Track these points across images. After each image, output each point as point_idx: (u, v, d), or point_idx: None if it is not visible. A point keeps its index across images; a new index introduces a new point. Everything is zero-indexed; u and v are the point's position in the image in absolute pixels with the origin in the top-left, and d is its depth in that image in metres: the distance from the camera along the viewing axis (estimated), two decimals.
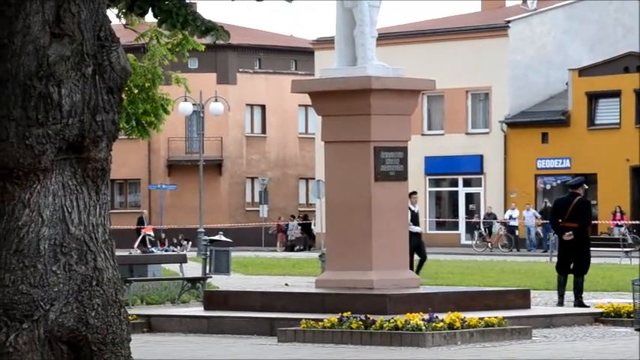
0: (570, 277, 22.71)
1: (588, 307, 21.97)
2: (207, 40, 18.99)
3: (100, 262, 14.03)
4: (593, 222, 42.97)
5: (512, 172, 58.59)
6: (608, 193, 54.66)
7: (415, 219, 28.60)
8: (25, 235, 13.91)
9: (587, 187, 25.96)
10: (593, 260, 23.77)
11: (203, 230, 48.28)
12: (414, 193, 32.03)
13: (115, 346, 13.96)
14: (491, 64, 57.83)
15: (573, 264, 22.72)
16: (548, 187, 58.41)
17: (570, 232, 22.57)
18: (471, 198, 60.98)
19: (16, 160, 13.97)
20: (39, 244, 13.89)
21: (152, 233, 57.79)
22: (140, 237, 55.46)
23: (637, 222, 52.73)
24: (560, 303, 22.46)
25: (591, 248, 24.03)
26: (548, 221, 53.34)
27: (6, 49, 14.04)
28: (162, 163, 68.10)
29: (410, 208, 28.14)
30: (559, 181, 57.79)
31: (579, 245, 22.80)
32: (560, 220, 23.19)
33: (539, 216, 55.80)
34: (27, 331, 13.85)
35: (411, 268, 27.22)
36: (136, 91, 30.14)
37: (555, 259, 31.39)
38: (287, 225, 63.69)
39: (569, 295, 22.66)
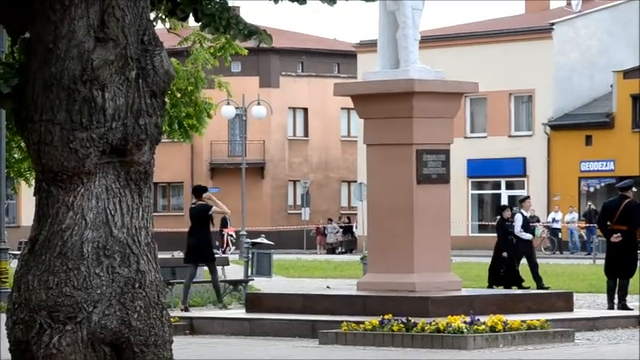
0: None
1: (632, 309, 21.96)
2: (250, 43, 19.06)
3: (142, 265, 14.16)
4: None
5: (555, 175, 58.44)
6: None
7: (527, 225, 28.43)
8: (69, 237, 14.06)
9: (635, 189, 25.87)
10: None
11: (245, 233, 48.39)
12: (528, 198, 31.99)
13: (157, 347, 14.09)
14: (534, 67, 57.66)
15: (619, 267, 22.73)
16: (592, 189, 58.25)
17: (618, 234, 22.55)
18: (513, 201, 60.85)
19: (60, 163, 14.12)
20: (82, 246, 14.04)
21: (234, 234, 58.21)
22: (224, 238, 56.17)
23: None
24: (611, 307, 22.39)
25: (638, 251, 24.02)
26: (591, 224, 53.36)
27: (51, 53, 14.20)
28: (205, 166, 68.28)
29: (522, 214, 28.35)
30: (603, 184, 57.67)
31: (626, 248, 22.78)
32: (608, 223, 23.19)
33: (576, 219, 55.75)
34: (70, 332, 13.99)
35: (518, 276, 27.28)
36: (178, 94, 30.32)
37: (599, 262, 31.35)
38: (325, 228, 63.75)
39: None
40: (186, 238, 24.57)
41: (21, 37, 14.60)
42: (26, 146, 15.68)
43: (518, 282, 26.94)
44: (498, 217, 30.27)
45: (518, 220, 28.09)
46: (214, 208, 24.71)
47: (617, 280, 22.64)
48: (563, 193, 57.61)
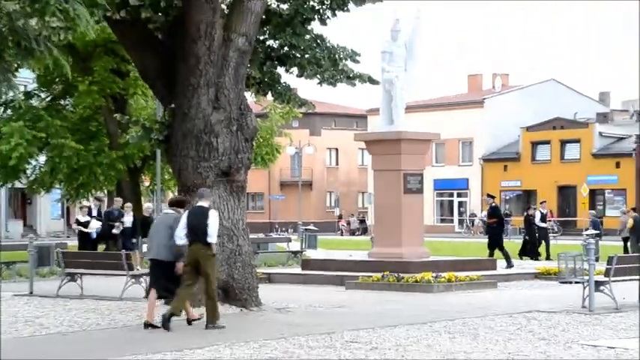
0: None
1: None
2: (303, 109, 19.22)
3: (240, 241, 14.30)
4: None
5: (485, 189, 57.95)
6: None
7: (544, 218, 27.21)
8: None
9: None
10: None
11: (301, 223, 48.41)
12: (544, 201, 30.70)
13: (249, 290, 14.22)
14: (474, 124, 57.70)
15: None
16: (507, 197, 57.77)
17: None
18: (460, 203, 60.68)
19: (192, 181, 14.28)
20: None
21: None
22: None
23: None
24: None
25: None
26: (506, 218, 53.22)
27: (186, 116, 14.38)
28: (277, 182, 68.32)
29: (541, 211, 27.35)
30: (514, 194, 57.18)
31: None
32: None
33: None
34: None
35: (536, 251, 26.24)
36: (261, 140, 30.49)
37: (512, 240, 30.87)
38: (349, 220, 63.59)
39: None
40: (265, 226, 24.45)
41: (169, 107, 14.77)
42: (172, 171, 15.83)
43: (536, 255, 26.05)
44: (525, 213, 28.46)
45: (538, 216, 27.02)
46: None
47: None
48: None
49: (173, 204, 12.39)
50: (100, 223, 22.52)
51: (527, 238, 27.00)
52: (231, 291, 13.95)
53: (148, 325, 11.61)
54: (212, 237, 11.59)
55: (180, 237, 11.55)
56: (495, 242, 23.17)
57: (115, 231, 21.87)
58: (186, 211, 11.90)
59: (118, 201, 24.23)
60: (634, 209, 30.27)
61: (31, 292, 16.39)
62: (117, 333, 11.52)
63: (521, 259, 25.52)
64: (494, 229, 23.63)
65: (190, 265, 11.60)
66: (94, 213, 23.02)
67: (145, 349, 9.87)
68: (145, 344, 10.29)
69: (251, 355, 9.48)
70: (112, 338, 11.04)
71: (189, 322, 11.89)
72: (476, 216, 56.15)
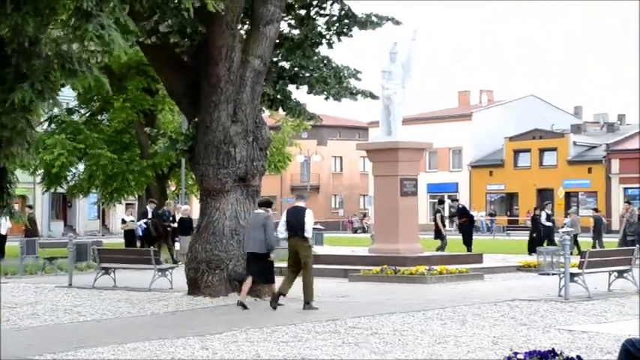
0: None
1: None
2: (311, 122, 19.24)
3: None
4: None
5: (473, 192, 58.02)
6: None
7: (549, 218, 26.45)
8: (217, 224, 14.21)
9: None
10: None
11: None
12: (549, 203, 29.49)
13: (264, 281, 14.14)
14: (463, 134, 57.74)
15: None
16: (492, 199, 57.69)
17: None
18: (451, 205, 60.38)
19: (212, 186, 14.28)
20: (223, 229, 14.19)
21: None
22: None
23: None
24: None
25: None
26: (492, 217, 53.03)
27: (208, 129, 14.40)
28: (288, 186, 68.27)
29: (546, 212, 26.50)
30: (498, 197, 56.89)
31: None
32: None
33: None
34: (218, 274, 14.10)
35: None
36: (274, 149, 30.48)
37: (497, 237, 30.61)
38: (351, 219, 63.44)
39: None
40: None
41: (193, 121, 14.79)
42: (195, 177, 15.86)
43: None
44: (533, 213, 27.65)
45: (544, 215, 26.32)
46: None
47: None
48: (477, 202, 57.13)
49: (262, 204, 12.97)
50: (144, 222, 22.68)
51: (534, 235, 26.21)
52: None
53: (240, 304, 12.29)
54: (308, 232, 12.32)
55: (281, 232, 12.45)
56: (469, 238, 23.09)
57: (170, 228, 22.26)
58: (286, 210, 12.71)
59: (169, 203, 24.26)
60: (595, 210, 29.91)
61: (70, 284, 16.42)
62: (146, 320, 11.51)
63: (530, 254, 24.29)
64: (467, 227, 23.63)
65: (291, 254, 12.44)
66: (149, 215, 22.89)
67: (171, 334, 9.87)
68: (170, 330, 10.29)
69: (264, 339, 9.47)
70: (142, 325, 11.04)
71: (274, 300, 12.39)
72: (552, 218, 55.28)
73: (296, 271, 12.46)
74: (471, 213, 26.36)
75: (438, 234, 24.62)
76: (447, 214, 30.64)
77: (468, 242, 23.35)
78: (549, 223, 26.66)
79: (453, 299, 13.61)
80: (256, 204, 13.53)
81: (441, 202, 27.63)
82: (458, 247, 25.21)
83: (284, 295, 12.31)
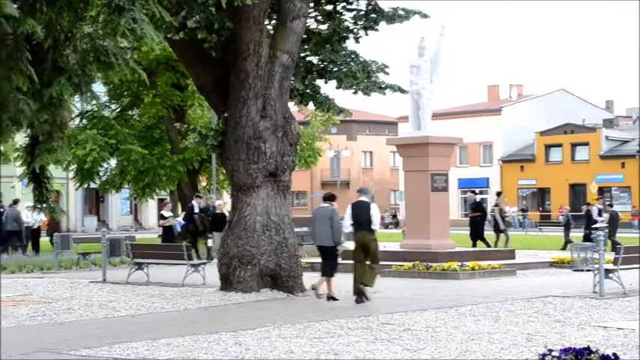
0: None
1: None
2: (341, 116, 19.16)
3: (286, 234, 14.27)
4: None
5: (504, 187, 57.47)
6: None
7: (600, 213, 25.65)
8: (248, 220, 14.21)
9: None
10: None
11: (341, 218, 48.38)
12: (601, 197, 28.71)
13: (295, 278, 14.19)
14: (493, 129, 57.34)
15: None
16: (524, 195, 57.18)
17: None
18: (482, 200, 59.81)
19: (243, 181, 14.28)
20: (255, 224, 14.19)
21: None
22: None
23: None
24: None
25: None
26: (524, 212, 52.41)
27: (238, 124, 14.40)
28: (318, 181, 68.25)
29: (598, 207, 25.76)
30: (530, 192, 56.48)
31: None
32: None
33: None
34: (250, 270, 14.11)
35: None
36: (304, 144, 30.47)
37: (529, 233, 29.90)
38: (383, 215, 63.25)
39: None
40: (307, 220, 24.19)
41: (223, 116, 14.79)
42: (225, 172, 15.88)
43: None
44: (585, 208, 26.80)
45: (595, 211, 25.74)
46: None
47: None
48: (509, 197, 56.64)
49: (327, 198, 13.36)
50: (182, 219, 22.69)
51: (587, 231, 25.13)
52: (279, 278, 13.95)
53: (329, 297, 12.74)
54: (375, 225, 12.78)
55: (347, 226, 12.86)
56: (479, 232, 22.93)
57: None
58: (350, 205, 13.03)
59: (212, 198, 24.11)
60: (610, 205, 29.37)
61: (104, 280, 16.53)
62: (179, 315, 11.55)
63: None
64: (478, 221, 23.47)
65: (359, 247, 12.77)
66: (196, 210, 22.61)
67: (204, 330, 9.88)
68: (203, 325, 10.30)
69: (297, 336, 9.45)
70: (175, 320, 11.07)
71: (329, 297, 12.77)
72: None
73: (364, 260, 12.75)
74: (502, 208, 25.77)
75: (497, 228, 24.42)
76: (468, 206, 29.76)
77: (474, 237, 23.09)
78: (602, 218, 26.06)
79: (486, 295, 13.49)
80: (286, 199, 13.62)
81: (499, 193, 27.17)
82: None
83: (370, 285, 12.60)
